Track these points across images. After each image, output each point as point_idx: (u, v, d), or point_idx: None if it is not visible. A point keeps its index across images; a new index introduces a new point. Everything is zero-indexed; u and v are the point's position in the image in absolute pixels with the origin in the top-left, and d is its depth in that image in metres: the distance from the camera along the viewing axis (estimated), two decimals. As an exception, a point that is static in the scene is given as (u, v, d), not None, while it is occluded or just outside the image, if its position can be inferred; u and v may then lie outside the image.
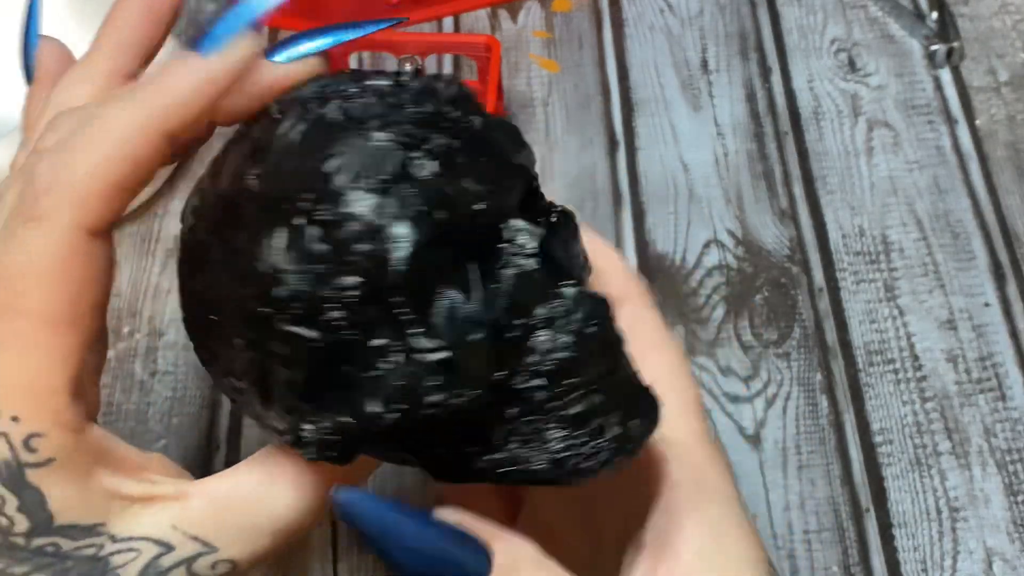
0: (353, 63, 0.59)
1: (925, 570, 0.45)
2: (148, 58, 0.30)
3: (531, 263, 0.26)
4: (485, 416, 0.27)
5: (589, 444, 0.27)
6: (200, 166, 0.57)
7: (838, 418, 0.48)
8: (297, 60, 0.28)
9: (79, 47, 0.60)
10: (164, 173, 0.56)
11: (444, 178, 0.26)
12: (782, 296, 0.52)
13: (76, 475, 0.27)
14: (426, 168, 0.26)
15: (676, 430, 0.32)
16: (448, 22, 0.62)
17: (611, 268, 0.34)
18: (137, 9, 0.30)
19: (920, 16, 0.61)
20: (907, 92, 0.58)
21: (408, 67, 0.54)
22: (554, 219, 0.29)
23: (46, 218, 0.26)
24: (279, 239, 0.25)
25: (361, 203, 0.25)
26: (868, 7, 0.62)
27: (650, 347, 0.33)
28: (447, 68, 0.61)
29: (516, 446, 0.27)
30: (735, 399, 0.49)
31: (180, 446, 0.49)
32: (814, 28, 0.61)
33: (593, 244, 0.33)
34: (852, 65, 0.60)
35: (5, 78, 0.57)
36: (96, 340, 0.28)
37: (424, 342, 0.25)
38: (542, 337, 0.26)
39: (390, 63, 0.60)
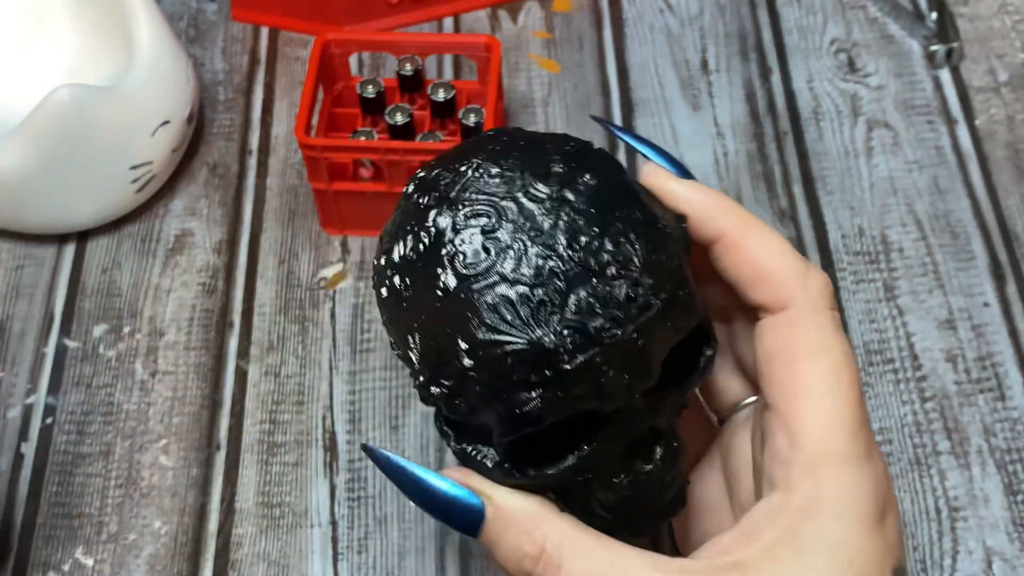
0: (353, 64, 0.59)
1: (925, 570, 0.45)
2: None
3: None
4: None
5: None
6: (199, 166, 0.57)
7: (838, 418, 0.48)
8: None
9: (78, 46, 0.60)
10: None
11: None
12: (782, 296, 0.52)
13: None
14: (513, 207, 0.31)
15: (824, 441, 0.31)
16: (448, 22, 0.62)
17: (779, 269, 0.33)
18: None
19: (920, 16, 0.61)
20: (907, 92, 0.58)
21: (408, 67, 0.54)
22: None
23: None
24: (436, 211, 0.32)
25: (448, 225, 0.32)
26: (868, 7, 0.62)
27: (805, 355, 0.32)
28: (447, 68, 0.61)
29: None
30: (735, 399, 0.49)
31: (180, 446, 0.49)
32: (814, 28, 0.61)
33: (762, 242, 0.33)
34: (852, 65, 0.60)
35: (5, 78, 0.57)
36: None
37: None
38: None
39: (390, 63, 0.60)
